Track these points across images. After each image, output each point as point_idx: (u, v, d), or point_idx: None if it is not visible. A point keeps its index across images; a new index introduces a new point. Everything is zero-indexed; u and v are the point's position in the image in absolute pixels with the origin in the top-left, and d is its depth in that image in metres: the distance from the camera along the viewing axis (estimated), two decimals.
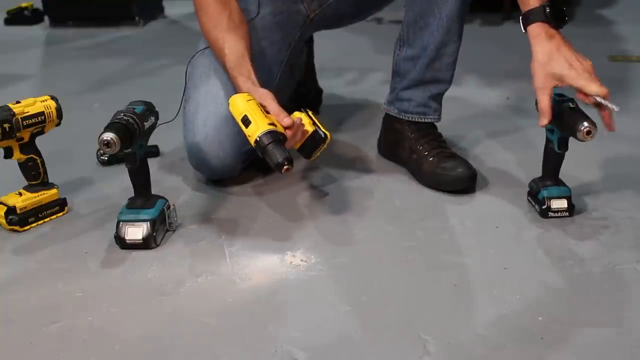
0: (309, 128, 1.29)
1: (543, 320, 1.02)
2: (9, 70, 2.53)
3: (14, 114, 1.27)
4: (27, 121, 1.29)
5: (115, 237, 1.24)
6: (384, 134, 1.61)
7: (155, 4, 3.47)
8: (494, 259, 1.19)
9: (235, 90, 1.32)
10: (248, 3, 1.49)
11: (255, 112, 1.20)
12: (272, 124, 1.19)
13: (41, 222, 1.35)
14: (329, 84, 2.07)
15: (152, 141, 1.33)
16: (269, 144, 1.16)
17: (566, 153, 1.29)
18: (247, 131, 1.19)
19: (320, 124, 1.31)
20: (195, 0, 1.40)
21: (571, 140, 1.25)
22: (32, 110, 1.29)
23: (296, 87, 1.79)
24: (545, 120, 1.22)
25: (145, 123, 1.22)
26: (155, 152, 1.65)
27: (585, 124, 1.19)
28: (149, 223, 1.23)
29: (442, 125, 1.55)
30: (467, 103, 1.99)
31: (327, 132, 1.31)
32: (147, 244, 1.23)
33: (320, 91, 1.97)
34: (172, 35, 3.11)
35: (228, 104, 1.25)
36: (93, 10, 3.23)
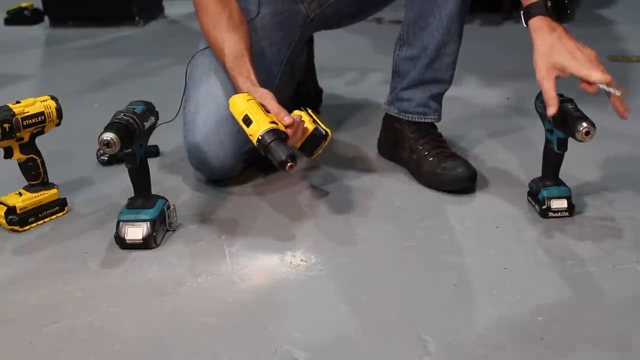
0: (310, 126, 1.29)
1: (543, 320, 1.02)
2: (9, 70, 2.53)
3: (14, 114, 1.27)
4: (27, 121, 1.29)
5: (115, 237, 1.24)
6: (384, 134, 1.61)
7: (155, 4, 3.47)
8: (494, 259, 1.19)
9: (235, 90, 1.32)
10: (248, 3, 1.49)
11: (256, 112, 1.20)
12: (273, 122, 1.19)
13: (41, 222, 1.35)
14: (329, 84, 2.07)
15: (152, 141, 1.33)
16: (271, 142, 1.16)
17: (566, 153, 1.29)
18: (249, 130, 1.19)
19: (321, 121, 1.31)
20: (195, 0, 1.40)
21: (571, 140, 1.25)
22: (32, 110, 1.30)
23: (296, 87, 1.79)
24: (553, 109, 1.20)
25: (145, 123, 1.22)
26: (155, 152, 1.65)
27: (584, 124, 1.19)
28: (149, 223, 1.23)
29: (442, 125, 1.55)
30: (467, 103, 1.99)
31: (327, 130, 1.31)
32: (147, 244, 1.23)
33: (320, 91, 1.97)
34: (172, 35, 3.11)
35: (228, 104, 1.25)
36: (93, 10, 3.23)
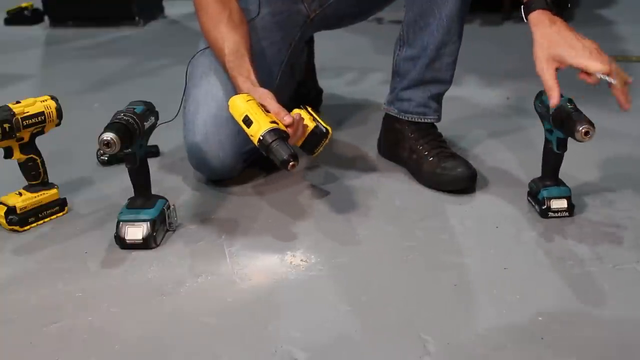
0: (310, 124, 1.29)
1: (543, 320, 1.02)
2: (9, 70, 2.53)
3: (14, 114, 1.27)
4: (27, 121, 1.29)
5: (115, 237, 1.24)
6: (384, 134, 1.61)
7: (155, 4, 3.47)
8: (494, 259, 1.19)
9: (235, 90, 1.32)
10: (248, 3, 1.49)
11: (256, 112, 1.20)
12: (273, 122, 1.19)
13: (41, 222, 1.35)
14: (329, 84, 2.07)
15: (152, 141, 1.33)
16: (272, 141, 1.16)
17: (566, 153, 1.29)
18: (250, 131, 1.19)
19: (321, 119, 1.31)
20: (195, 0, 1.40)
21: (571, 140, 1.24)
22: (32, 110, 1.30)
23: (296, 87, 1.79)
24: (555, 100, 1.19)
25: (145, 123, 1.22)
26: (155, 152, 1.65)
27: (584, 124, 1.19)
28: (149, 223, 1.23)
29: (442, 125, 1.55)
30: (467, 103, 1.99)
31: (328, 127, 1.31)
32: (147, 244, 1.23)
33: (320, 91, 1.97)
34: (172, 35, 3.11)
35: (228, 105, 1.25)
36: (93, 10, 3.23)
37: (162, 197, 1.30)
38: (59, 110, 1.34)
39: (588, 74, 1.17)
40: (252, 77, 1.31)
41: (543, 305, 1.06)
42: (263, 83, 1.31)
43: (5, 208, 1.31)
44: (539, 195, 1.31)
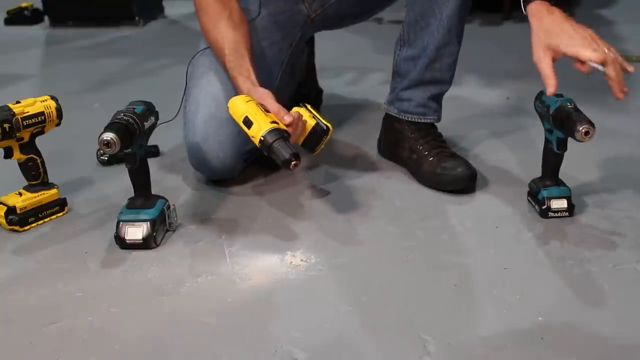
0: (310, 121, 1.29)
1: (543, 320, 1.02)
2: (9, 70, 2.53)
3: (14, 114, 1.27)
4: (27, 121, 1.29)
5: (115, 237, 1.24)
6: (384, 133, 1.61)
7: (155, 4, 3.47)
8: (494, 259, 1.19)
9: (235, 90, 1.32)
10: (249, 3, 1.49)
11: (256, 112, 1.20)
12: (274, 122, 1.19)
13: (41, 222, 1.35)
14: (329, 84, 2.07)
15: (152, 141, 1.33)
16: (273, 142, 1.16)
17: (566, 153, 1.29)
18: (250, 132, 1.19)
19: (321, 116, 1.31)
20: (195, 0, 1.40)
21: (571, 140, 1.24)
22: (32, 110, 1.30)
23: (297, 87, 1.79)
24: (551, 88, 1.17)
25: (145, 123, 1.22)
26: (155, 152, 1.65)
27: (584, 124, 1.19)
28: (149, 223, 1.23)
29: (442, 125, 1.55)
30: (467, 103, 1.99)
31: (328, 124, 1.31)
32: (147, 244, 1.23)
33: (320, 91, 1.97)
34: (172, 35, 3.11)
35: (227, 107, 1.25)
36: (93, 10, 3.23)
37: (162, 197, 1.30)
38: (59, 110, 1.34)
39: (583, 62, 1.16)
40: (252, 77, 1.31)
41: (543, 305, 1.06)
42: (263, 83, 1.31)
43: (5, 208, 1.31)
44: (539, 195, 1.31)
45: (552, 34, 1.19)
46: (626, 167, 1.53)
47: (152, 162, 1.34)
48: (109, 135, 1.13)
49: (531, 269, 1.16)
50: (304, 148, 1.31)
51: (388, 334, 1.01)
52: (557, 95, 1.26)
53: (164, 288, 1.13)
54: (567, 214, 1.30)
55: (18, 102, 1.29)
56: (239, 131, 1.25)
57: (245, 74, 1.32)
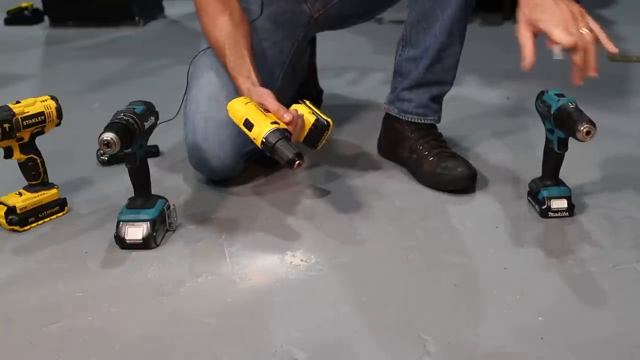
0: (310, 118, 1.28)
1: (543, 320, 1.02)
2: (9, 70, 2.53)
3: (14, 114, 1.27)
4: (27, 121, 1.29)
5: (115, 237, 1.24)
6: (384, 133, 1.61)
7: (155, 4, 3.47)
8: (494, 259, 1.19)
9: (236, 90, 1.32)
10: (250, 3, 1.49)
11: (256, 114, 1.20)
12: (274, 122, 1.19)
13: (41, 222, 1.35)
14: (330, 84, 2.07)
15: (152, 141, 1.33)
16: (276, 142, 1.16)
17: (566, 153, 1.29)
18: (252, 134, 1.19)
19: (320, 112, 1.31)
20: (196, 0, 1.40)
21: (571, 140, 1.25)
22: (32, 110, 1.29)
23: (298, 87, 1.79)
24: (528, 60, 1.12)
25: (145, 123, 1.22)
26: (155, 152, 1.65)
27: (585, 124, 1.19)
28: (149, 223, 1.23)
29: (442, 125, 1.55)
30: (468, 103, 1.99)
31: (328, 119, 1.30)
32: (147, 244, 1.23)
33: (321, 91, 1.97)
34: (172, 35, 3.11)
35: (227, 110, 1.24)
36: (93, 10, 3.23)
37: (162, 197, 1.30)
38: (59, 110, 1.34)
39: (555, 42, 1.12)
40: (253, 76, 1.31)
41: (543, 305, 1.06)
42: (265, 84, 1.31)
43: (5, 208, 1.31)
44: (539, 195, 1.31)
45: (535, 8, 1.15)
46: (626, 167, 1.53)
47: (152, 162, 1.34)
48: (109, 135, 1.13)
49: (531, 269, 1.16)
50: (305, 144, 1.31)
51: (388, 334, 1.01)
52: (559, 95, 1.27)
53: (164, 288, 1.13)
54: (567, 214, 1.30)
55: (18, 102, 1.29)
56: (239, 131, 1.25)
57: (245, 73, 1.32)
